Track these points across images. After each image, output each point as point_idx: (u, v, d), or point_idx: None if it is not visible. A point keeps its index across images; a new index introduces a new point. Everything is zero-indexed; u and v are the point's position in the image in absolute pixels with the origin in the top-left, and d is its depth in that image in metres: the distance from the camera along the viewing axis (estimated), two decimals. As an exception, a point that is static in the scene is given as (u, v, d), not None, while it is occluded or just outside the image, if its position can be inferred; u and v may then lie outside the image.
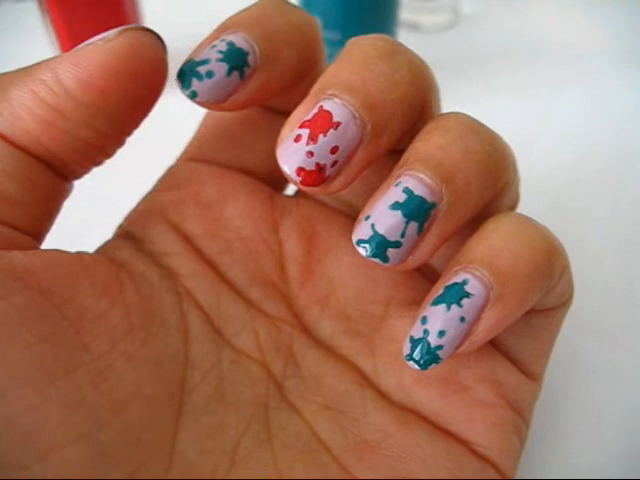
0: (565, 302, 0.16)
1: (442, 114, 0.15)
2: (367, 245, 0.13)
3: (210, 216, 0.16)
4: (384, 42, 0.14)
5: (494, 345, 0.16)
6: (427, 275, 0.18)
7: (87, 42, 0.13)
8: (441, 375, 0.16)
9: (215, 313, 0.16)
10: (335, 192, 0.14)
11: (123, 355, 0.13)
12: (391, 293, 0.17)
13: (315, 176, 0.13)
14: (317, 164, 0.13)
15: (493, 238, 0.14)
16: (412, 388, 0.16)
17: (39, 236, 0.14)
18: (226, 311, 0.16)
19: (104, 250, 0.16)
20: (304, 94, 0.14)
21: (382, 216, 0.13)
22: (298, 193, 0.18)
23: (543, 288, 0.14)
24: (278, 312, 0.16)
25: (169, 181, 0.17)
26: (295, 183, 0.13)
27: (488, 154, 0.14)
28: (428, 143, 0.14)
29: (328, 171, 0.13)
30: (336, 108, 0.13)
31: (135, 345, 0.14)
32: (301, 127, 0.13)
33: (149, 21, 0.35)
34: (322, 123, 0.13)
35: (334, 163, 0.13)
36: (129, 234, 0.16)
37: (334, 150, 0.13)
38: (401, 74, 0.14)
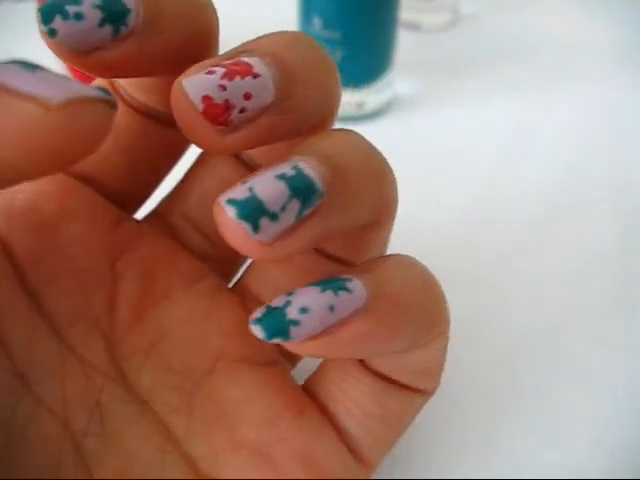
0: (425, 389, 0.15)
1: (341, 128, 0.14)
2: (238, 205, 0.11)
3: (42, 235, 0.14)
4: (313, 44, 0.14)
5: (329, 419, 0.15)
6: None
7: (25, 91, 0.10)
8: (253, 444, 0.15)
9: (22, 356, 0.13)
10: (226, 149, 0.12)
11: None
12: (222, 347, 0.16)
13: (220, 111, 0.12)
14: (226, 101, 0.12)
15: (389, 263, 0.13)
16: (223, 455, 0.15)
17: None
18: (35, 353, 0.14)
19: None
20: None
21: (264, 182, 0.11)
22: (147, 222, 0.17)
23: (415, 333, 0.13)
24: (94, 358, 0.14)
25: None
26: (192, 114, 0.12)
27: (381, 177, 0.13)
28: (328, 142, 0.13)
29: (234, 115, 0.12)
30: (257, 64, 0.12)
31: None
32: (215, 66, 0.12)
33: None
34: (242, 69, 0.12)
35: (242, 110, 0.12)
36: None
37: (248, 96, 0.12)
38: (328, 75, 0.13)
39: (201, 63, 0.12)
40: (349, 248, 0.15)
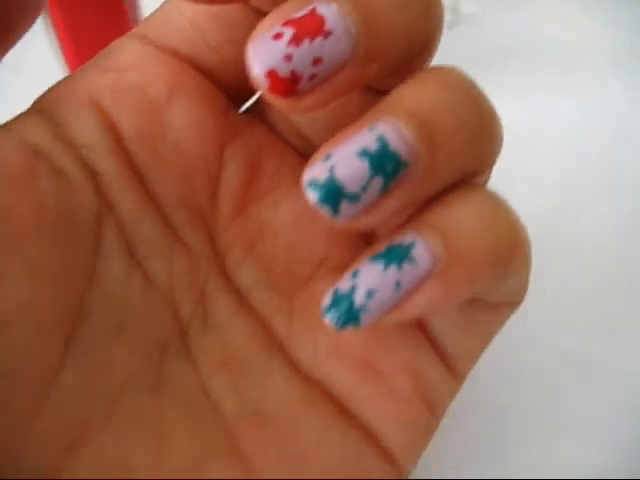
0: (514, 301, 0.15)
1: (443, 67, 0.13)
2: (319, 189, 0.11)
3: (150, 115, 0.14)
4: None
5: (424, 332, 0.15)
6: (368, 239, 0.16)
7: None
8: (358, 354, 0.14)
9: (132, 229, 0.13)
10: (303, 111, 0.12)
11: (22, 260, 0.11)
12: (325, 254, 0.15)
13: (287, 85, 0.11)
14: (293, 72, 0.11)
15: (458, 210, 0.12)
16: (325, 362, 0.14)
17: None
18: (144, 230, 0.13)
19: (14, 128, 0.13)
20: None
21: (346, 160, 0.11)
22: (254, 113, 0.16)
23: (495, 280, 0.13)
24: (199, 245, 0.14)
25: (110, 61, 0.14)
26: (261, 87, 0.11)
27: (480, 130, 0.13)
28: (420, 94, 0.12)
29: (303, 84, 0.11)
30: (332, 15, 0.11)
31: (39, 249, 0.12)
32: (285, 25, 0.11)
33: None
34: (312, 27, 0.11)
35: (312, 77, 0.11)
36: (46, 112, 0.13)
37: (317, 61, 0.11)
38: (416, 2, 0.12)
39: (272, 15, 0.11)
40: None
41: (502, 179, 0.34)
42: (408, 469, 0.14)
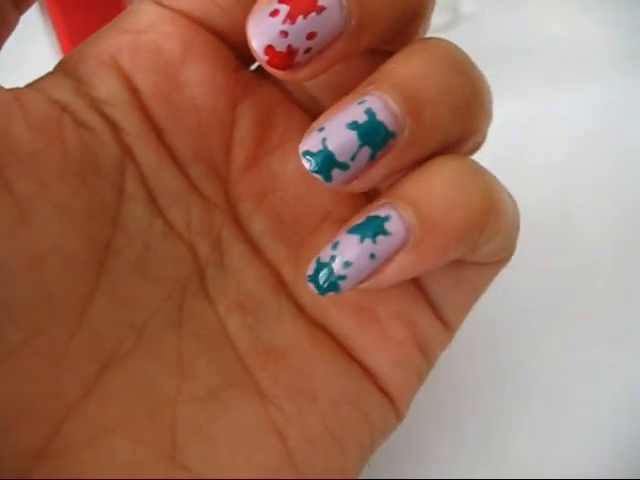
0: (499, 261, 0.16)
1: (432, 38, 0.14)
2: (313, 159, 0.13)
3: (166, 74, 0.14)
4: None
5: (416, 286, 0.16)
6: (371, 198, 0.17)
7: None
8: (356, 302, 0.16)
9: (152, 179, 0.14)
10: (301, 80, 0.13)
11: (51, 202, 0.13)
12: (329, 207, 0.16)
13: (284, 58, 0.12)
14: (289, 46, 0.12)
15: (431, 180, 0.13)
16: (327, 307, 0.15)
17: None
18: (163, 180, 0.15)
19: (41, 86, 0.14)
20: None
21: (336, 132, 0.13)
22: (264, 74, 0.17)
23: (469, 245, 0.13)
24: (214, 195, 0.15)
25: (127, 23, 0.15)
26: (261, 61, 0.13)
27: (466, 98, 0.13)
28: (407, 67, 0.13)
29: (299, 57, 0.12)
30: None
31: (66, 193, 0.13)
32: (281, 2, 0.12)
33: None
34: (305, 3, 0.12)
35: (307, 50, 0.12)
36: (70, 73, 0.14)
37: (311, 36, 0.12)
38: None
39: None
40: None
41: (501, 177, 0.33)
42: (403, 407, 0.16)
